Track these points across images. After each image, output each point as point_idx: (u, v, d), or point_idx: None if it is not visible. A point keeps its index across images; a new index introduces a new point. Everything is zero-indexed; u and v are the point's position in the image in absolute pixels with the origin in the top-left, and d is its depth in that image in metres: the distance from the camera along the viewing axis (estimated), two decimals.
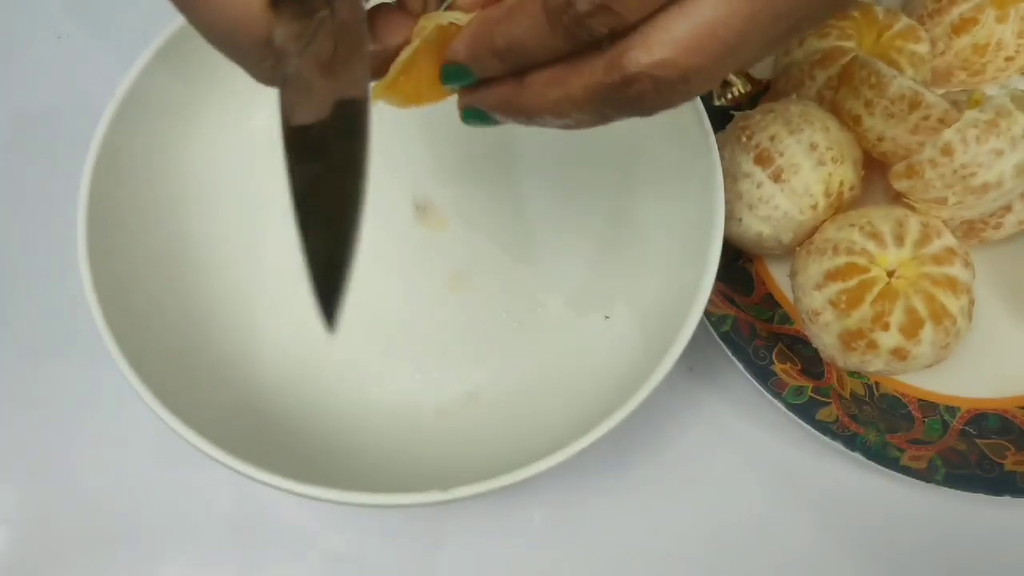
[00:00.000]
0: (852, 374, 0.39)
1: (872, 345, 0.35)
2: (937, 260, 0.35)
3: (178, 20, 0.33)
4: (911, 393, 0.39)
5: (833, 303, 0.36)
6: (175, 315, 0.34)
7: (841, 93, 0.39)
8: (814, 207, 0.37)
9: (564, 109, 0.23)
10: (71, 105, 0.45)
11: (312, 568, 0.37)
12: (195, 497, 0.37)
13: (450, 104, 0.35)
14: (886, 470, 0.36)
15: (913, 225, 0.36)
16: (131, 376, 0.28)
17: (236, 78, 0.37)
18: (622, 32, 0.21)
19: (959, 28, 0.41)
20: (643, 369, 0.30)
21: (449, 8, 0.24)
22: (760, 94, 0.44)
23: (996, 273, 0.41)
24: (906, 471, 0.36)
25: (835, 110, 0.39)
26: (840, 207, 0.38)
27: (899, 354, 0.35)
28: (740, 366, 0.37)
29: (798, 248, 0.39)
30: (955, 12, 0.41)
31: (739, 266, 0.41)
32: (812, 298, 0.37)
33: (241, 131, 0.38)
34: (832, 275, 0.36)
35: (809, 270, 0.37)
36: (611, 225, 0.39)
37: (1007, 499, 0.35)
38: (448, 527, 0.37)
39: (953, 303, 0.35)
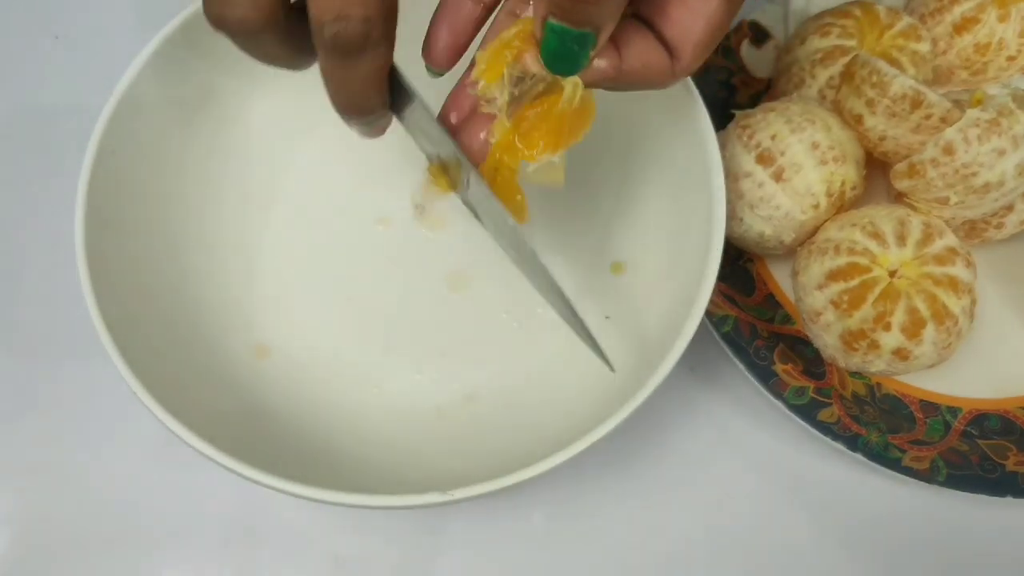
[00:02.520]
0: (854, 374, 0.39)
1: (874, 345, 0.35)
2: (939, 260, 0.35)
3: (175, 20, 0.33)
4: (913, 394, 0.39)
5: (835, 303, 0.36)
6: (173, 315, 0.34)
7: (843, 92, 0.39)
8: (816, 207, 0.37)
9: None
10: (68, 105, 0.45)
11: (311, 569, 0.37)
12: (195, 497, 0.37)
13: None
14: (888, 471, 0.35)
15: (915, 225, 0.36)
16: (129, 377, 0.28)
17: (233, 79, 0.37)
18: None
19: (961, 27, 0.41)
20: (644, 369, 0.30)
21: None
22: (761, 93, 0.44)
23: (998, 273, 0.41)
24: (908, 472, 0.35)
25: (837, 109, 0.39)
26: (842, 207, 0.38)
27: (901, 354, 0.35)
28: (741, 367, 0.37)
29: (799, 248, 0.38)
30: (957, 11, 0.41)
31: (740, 266, 0.41)
32: (814, 298, 0.36)
33: (239, 130, 0.38)
34: (834, 275, 0.36)
35: (811, 270, 0.37)
36: (611, 225, 0.39)
37: (1009, 500, 0.35)
38: (448, 527, 0.37)
39: (955, 303, 0.35)
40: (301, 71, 0.25)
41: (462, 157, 0.27)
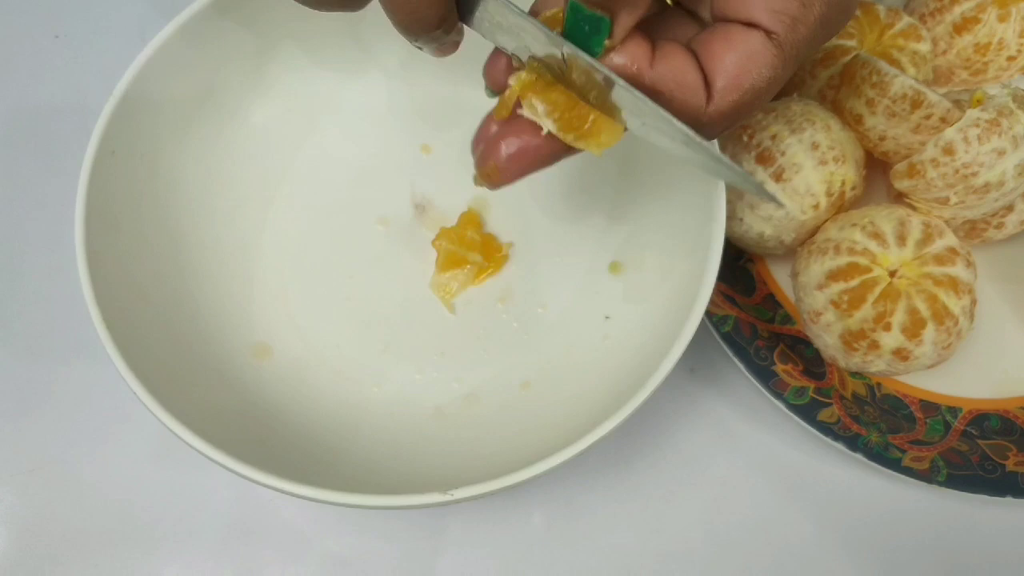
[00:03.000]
0: (854, 375, 0.39)
1: (874, 345, 0.35)
2: (939, 260, 0.35)
3: (176, 20, 0.33)
4: (913, 394, 0.39)
5: (835, 303, 0.36)
6: (173, 315, 0.34)
7: (843, 92, 0.39)
8: (816, 207, 0.37)
9: None
10: (69, 104, 0.45)
11: (311, 569, 0.37)
12: (195, 497, 0.37)
13: (449, 106, 0.35)
14: (888, 471, 0.35)
15: (915, 225, 0.36)
16: (129, 377, 0.28)
17: (234, 78, 0.37)
18: None
19: (961, 27, 0.41)
20: (644, 370, 0.30)
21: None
22: None
23: (998, 273, 0.41)
24: (908, 472, 0.35)
25: (837, 109, 0.39)
26: (842, 207, 0.38)
27: (901, 354, 0.35)
28: (741, 367, 0.37)
29: (799, 248, 0.38)
30: (957, 11, 0.41)
31: (740, 266, 0.41)
32: (814, 298, 0.36)
33: (239, 130, 0.38)
34: (834, 275, 0.36)
35: (811, 270, 0.37)
36: (611, 225, 0.39)
37: (1009, 500, 0.35)
38: (448, 527, 0.37)
39: (955, 303, 0.35)
40: (357, 10, 0.24)
41: (554, 35, 0.24)
